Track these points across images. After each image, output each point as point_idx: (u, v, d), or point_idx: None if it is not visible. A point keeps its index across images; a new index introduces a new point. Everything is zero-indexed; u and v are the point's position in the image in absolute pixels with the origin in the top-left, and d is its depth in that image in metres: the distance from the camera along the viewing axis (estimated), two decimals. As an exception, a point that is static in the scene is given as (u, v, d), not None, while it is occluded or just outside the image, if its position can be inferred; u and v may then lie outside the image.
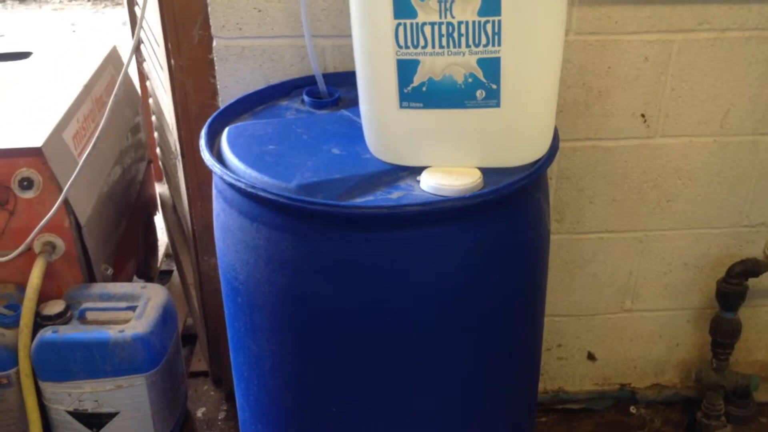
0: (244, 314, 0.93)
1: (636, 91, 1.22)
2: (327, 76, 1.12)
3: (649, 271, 1.38)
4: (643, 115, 1.25)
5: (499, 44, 0.79)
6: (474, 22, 0.78)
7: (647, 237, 1.35)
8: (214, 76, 1.21)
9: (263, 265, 0.86)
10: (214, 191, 0.96)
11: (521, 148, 0.86)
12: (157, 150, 2.13)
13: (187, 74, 1.24)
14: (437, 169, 0.86)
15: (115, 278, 1.53)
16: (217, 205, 0.95)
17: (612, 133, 1.26)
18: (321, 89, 1.11)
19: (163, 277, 2.11)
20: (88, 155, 1.30)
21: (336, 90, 1.10)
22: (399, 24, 0.79)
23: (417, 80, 0.82)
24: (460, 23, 0.78)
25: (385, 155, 0.89)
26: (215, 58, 1.18)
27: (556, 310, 1.40)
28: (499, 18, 0.77)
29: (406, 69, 0.82)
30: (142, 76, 2.06)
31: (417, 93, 0.83)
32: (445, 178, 0.84)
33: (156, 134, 2.09)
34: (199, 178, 1.33)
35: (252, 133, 0.98)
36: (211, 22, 1.15)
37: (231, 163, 0.90)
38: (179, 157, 1.38)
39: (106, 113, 1.25)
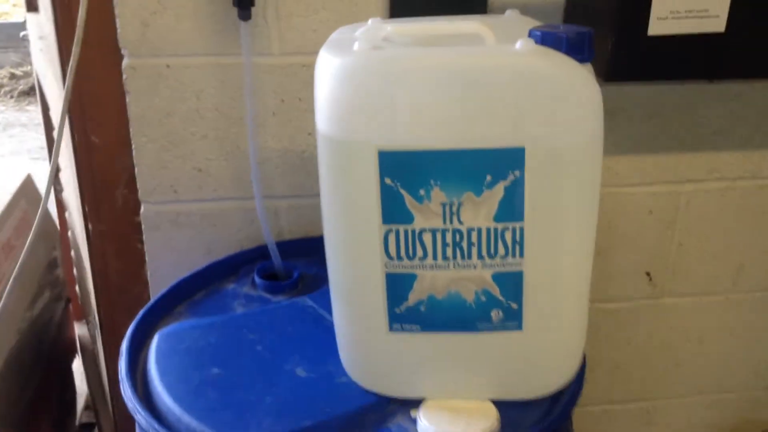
0: None
1: (640, 247, 1.06)
2: (282, 245, 0.91)
3: (658, 444, 1.20)
4: (648, 273, 1.08)
5: (521, 255, 0.60)
6: (489, 230, 0.59)
7: (655, 407, 1.17)
8: (141, 241, 0.99)
9: None
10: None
11: (544, 377, 0.66)
12: (76, 287, 1.86)
13: (108, 240, 1.01)
14: (438, 403, 0.65)
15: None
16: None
17: (615, 294, 1.09)
18: (276, 264, 0.90)
19: (84, 432, 1.80)
20: None
21: (293, 265, 0.90)
22: (389, 231, 0.60)
23: (413, 299, 0.62)
24: (470, 230, 0.59)
25: (369, 383, 0.68)
26: (144, 227, 0.96)
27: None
28: (521, 224, 0.59)
29: (398, 285, 0.62)
30: (61, 206, 1.81)
31: (413, 313, 0.63)
32: (452, 422, 0.63)
33: (75, 270, 1.84)
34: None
35: (189, 345, 0.75)
36: (139, 185, 0.94)
37: (161, 403, 0.67)
38: (98, 328, 1.13)
39: (18, 263, 1.01)
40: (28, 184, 1.67)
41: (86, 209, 1.00)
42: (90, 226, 1.00)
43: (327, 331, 0.76)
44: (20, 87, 4.92)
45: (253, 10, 0.84)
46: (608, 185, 1.02)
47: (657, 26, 0.79)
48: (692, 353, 1.15)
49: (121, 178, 0.96)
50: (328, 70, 0.59)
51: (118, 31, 0.87)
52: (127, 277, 1.03)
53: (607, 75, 0.81)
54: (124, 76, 0.89)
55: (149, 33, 0.87)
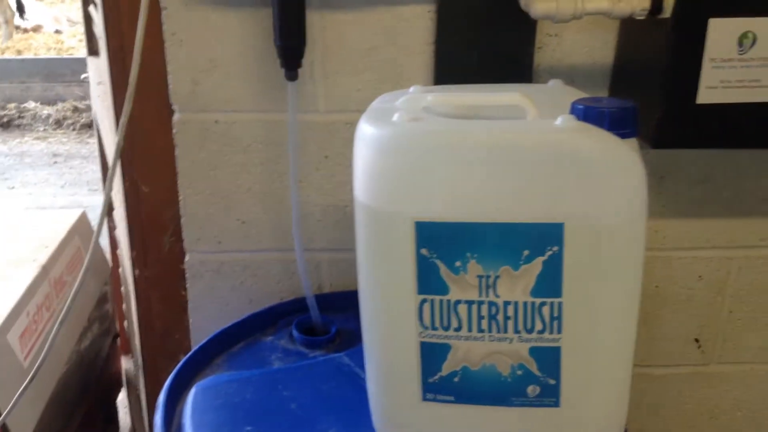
0: None
1: (688, 312, 1.03)
2: (322, 298, 0.92)
3: None
4: (696, 340, 1.05)
5: (559, 331, 0.59)
6: (526, 304, 0.58)
7: (702, 478, 1.13)
8: (185, 288, 1.01)
9: None
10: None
11: (583, 453, 0.64)
12: (125, 323, 1.90)
13: (153, 286, 1.03)
14: (471, 476, 0.64)
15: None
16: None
17: (661, 359, 1.06)
18: (314, 319, 0.91)
19: (126, 472, 1.83)
20: (38, 357, 1.07)
21: (332, 319, 0.90)
22: (424, 301, 0.60)
23: (447, 369, 0.62)
24: (506, 304, 0.59)
25: (400, 451, 0.67)
26: (188, 275, 0.98)
27: None
28: (559, 300, 0.58)
29: (432, 354, 0.61)
30: (114, 243, 1.87)
31: (447, 384, 0.62)
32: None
33: (125, 305, 1.88)
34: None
35: (225, 400, 0.76)
36: (184, 235, 0.96)
37: (195, 462, 0.68)
38: (141, 371, 1.15)
39: (70, 298, 1.04)
40: (82, 221, 1.73)
41: (134, 254, 1.02)
42: (137, 271, 1.03)
43: (362, 391, 0.75)
44: (82, 120, 5.12)
45: (300, 70, 0.86)
46: (656, 249, 0.99)
47: (706, 95, 0.77)
48: (743, 424, 1.10)
49: (169, 226, 0.99)
50: (367, 140, 0.60)
51: (170, 87, 0.90)
52: (169, 322, 1.05)
53: (655, 142, 0.80)
54: (174, 130, 0.91)
55: (199, 90, 0.90)
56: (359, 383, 0.78)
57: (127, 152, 0.96)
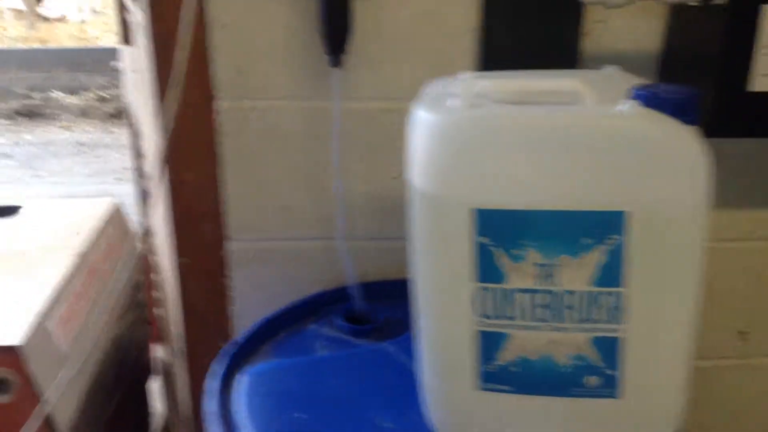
0: None
1: (733, 305, 1.02)
2: (365, 286, 0.92)
3: None
4: (741, 332, 1.04)
5: (620, 321, 0.58)
6: (586, 294, 0.58)
7: (745, 470, 1.11)
8: (225, 275, 1.02)
9: None
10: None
11: (640, 444, 0.63)
12: (159, 310, 1.92)
13: (193, 274, 1.03)
14: (525, 465, 0.64)
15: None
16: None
17: (705, 351, 1.04)
18: (358, 307, 0.91)
19: (157, 459, 1.84)
20: (77, 343, 1.09)
21: (375, 307, 0.90)
22: (481, 289, 0.59)
23: (504, 358, 0.61)
24: (566, 293, 0.58)
25: (453, 439, 0.67)
26: (230, 263, 0.98)
27: None
28: (620, 289, 0.57)
29: (489, 343, 0.61)
30: (148, 231, 1.88)
31: (503, 374, 0.62)
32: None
33: (157, 292, 1.89)
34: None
35: (274, 387, 0.76)
36: (227, 223, 0.96)
37: (247, 446, 0.68)
38: (180, 357, 1.16)
39: (106, 290, 1.05)
40: (116, 210, 1.74)
41: (175, 242, 1.03)
42: (178, 259, 1.03)
43: (410, 380, 0.75)
44: (106, 109, 5.16)
45: (344, 57, 0.86)
46: (700, 237, 0.98)
47: (760, 83, 0.76)
48: (786, 416, 1.09)
49: (210, 214, 0.99)
50: (424, 126, 0.60)
51: (213, 75, 0.90)
52: (210, 310, 1.05)
53: (706, 131, 0.78)
54: (217, 118, 0.91)
55: (242, 77, 0.89)
56: (407, 373, 0.78)
57: (169, 140, 0.96)
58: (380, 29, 0.88)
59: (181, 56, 0.82)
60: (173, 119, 0.87)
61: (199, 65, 0.90)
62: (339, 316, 0.89)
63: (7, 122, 5.03)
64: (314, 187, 0.95)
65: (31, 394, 1.15)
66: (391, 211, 0.95)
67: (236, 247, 0.97)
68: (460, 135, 0.57)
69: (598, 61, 0.91)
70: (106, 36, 7.41)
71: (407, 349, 0.84)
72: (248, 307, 1.00)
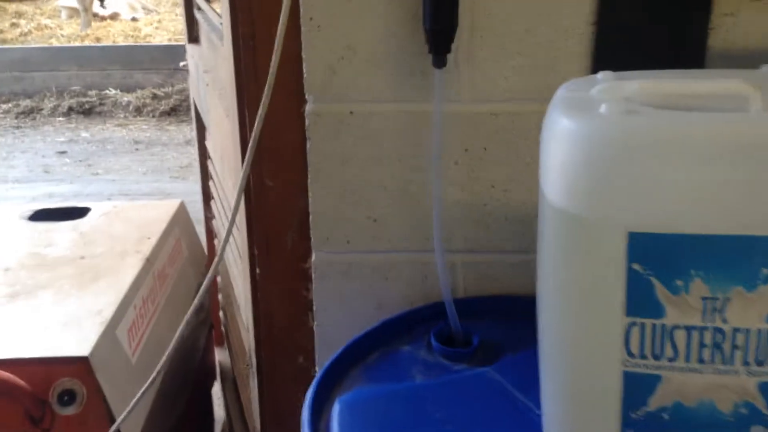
0: None
1: None
2: (458, 304, 0.84)
3: None
4: None
5: (800, 366, 0.50)
6: (760, 332, 0.49)
7: None
8: (307, 288, 0.95)
9: None
10: None
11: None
12: (220, 313, 1.88)
13: (273, 285, 0.98)
14: None
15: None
16: None
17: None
18: (453, 327, 0.83)
19: (219, 464, 1.81)
20: (145, 350, 1.05)
21: (471, 327, 0.83)
22: (633, 324, 0.51)
23: (655, 404, 0.53)
24: (736, 331, 0.50)
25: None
26: (314, 276, 0.92)
27: None
28: (803, 329, 0.49)
29: (637, 386, 0.53)
30: (210, 233, 1.84)
31: (653, 421, 0.54)
32: None
33: (220, 296, 1.86)
34: (278, 406, 1.05)
35: (372, 417, 0.70)
36: (312, 234, 0.90)
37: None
38: (254, 372, 1.11)
39: (172, 294, 1.00)
40: (180, 212, 1.71)
41: (255, 251, 0.97)
42: (257, 269, 0.98)
43: (521, 414, 0.68)
44: (161, 107, 5.20)
45: (448, 56, 0.78)
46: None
47: None
48: None
49: (292, 223, 0.93)
50: (568, 135, 0.52)
51: (305, 76, 0.83)
52: (290, 323, 0.99)
53: None
54: (307, 122, 0.85)
55: (336, 79, 0.83)
56: (517, 405, 0.71)
57: (254, 144, 0.90)
58: (486, 24, 0.80)
59: (275, 59, 0.76)
60: (261, 123, 0.81)
61: (290, 66, 0.84)
62: (433, 337, 0.82)
63: (64, 119, 5.11)
64: (406, 196, 0.88)
65: (98, 406, 1.12)
66: (487, 221, 0.88)
67: (320, 259, 0.91)
68: (614, 145, 0.50)
69: (724, 59, 0.82)
70: (159, 34, 7.50)
71: (513, 376, 0.76)
72: (331, 322, 0.94)
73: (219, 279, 1.78)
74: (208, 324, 1.83)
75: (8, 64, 5.67)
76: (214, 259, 1.81)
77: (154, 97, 5.38)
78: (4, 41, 6.97)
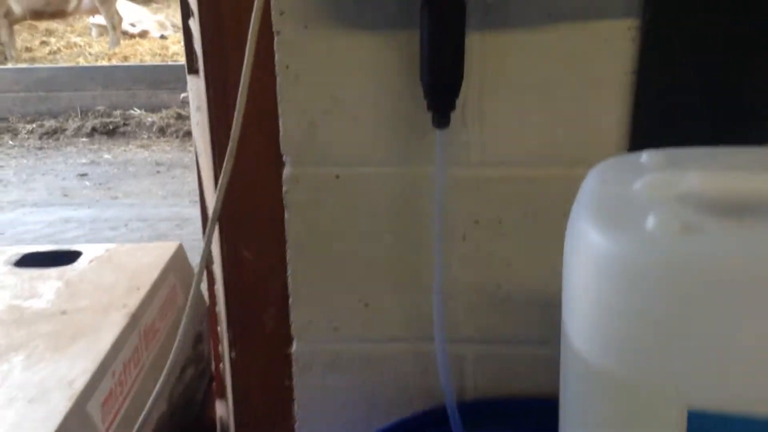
0: None
1: None
2: (465, 407, 0.69)
3: None
4: None
5: None
6: None
7: None
8: (290, 377, 0.81)
9: None
10: None
11: None
12: (222, 365, 1.75)
13: (251, 372, 0.84)
14: None
15: None
16: None
17: None
18: (459, 438, 0.68)
19: None
20: (123, 422, 0.92)
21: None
22: (694, 415, 0.36)
23: None
24: None
25: None
26: (294, 367, 0.78)
27: None
28: None
29: None
30: (211, 279, 1.71)
31: None
32: None
33: (221, 347, 1.72)
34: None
35: None
36: (292, 318, 0.75)
37: None
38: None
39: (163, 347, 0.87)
40: (177, 256, 1.58)
41: (230, 333, 0.83)
42: (233, 353, 0.84)
43: None
44: (185, 128, 5.12)
45: (452, 113, 0.64)
46: None
47: None
48: None
49: (273, 303, 0.79)
50: (600, 258, 0.37)
51: (281, 132, 0.69)
52: (270, 415, 0.85)
53: None
54: (284, 189, 0.71)
55: (317, 136, 0.69)
56: None
57: (226, 209, 0.76)
58: (499, 74, 0.65)
59: (238, 116, 0.62)
60: (226, 184, 0.67)
61: (264, 120, 0.70)
62: (435, 453, 0.67)
63: (87, 140, 5.07)
64: (404, 276, 0.73)
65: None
66: (501, 307, 0.73)
67: (303, 347, 0.77)
68: (672, 288, 0.34)
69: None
70: (188, 52, 7.47)
71: None
72: (315, 420, 0.79)
73: (220, 329, 1.65)
74: (208, 375, 1.70)
75: (35, 83, 5.67)
76: (214, 307, 1.68)
77: (179, 117, 5.31)
78: (33, 60, 7.00)
